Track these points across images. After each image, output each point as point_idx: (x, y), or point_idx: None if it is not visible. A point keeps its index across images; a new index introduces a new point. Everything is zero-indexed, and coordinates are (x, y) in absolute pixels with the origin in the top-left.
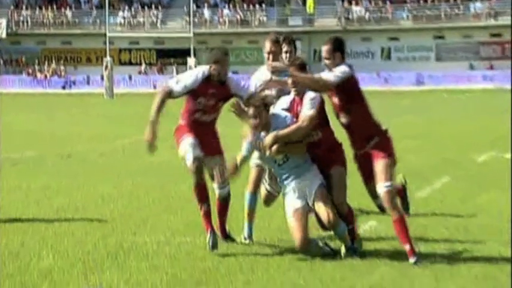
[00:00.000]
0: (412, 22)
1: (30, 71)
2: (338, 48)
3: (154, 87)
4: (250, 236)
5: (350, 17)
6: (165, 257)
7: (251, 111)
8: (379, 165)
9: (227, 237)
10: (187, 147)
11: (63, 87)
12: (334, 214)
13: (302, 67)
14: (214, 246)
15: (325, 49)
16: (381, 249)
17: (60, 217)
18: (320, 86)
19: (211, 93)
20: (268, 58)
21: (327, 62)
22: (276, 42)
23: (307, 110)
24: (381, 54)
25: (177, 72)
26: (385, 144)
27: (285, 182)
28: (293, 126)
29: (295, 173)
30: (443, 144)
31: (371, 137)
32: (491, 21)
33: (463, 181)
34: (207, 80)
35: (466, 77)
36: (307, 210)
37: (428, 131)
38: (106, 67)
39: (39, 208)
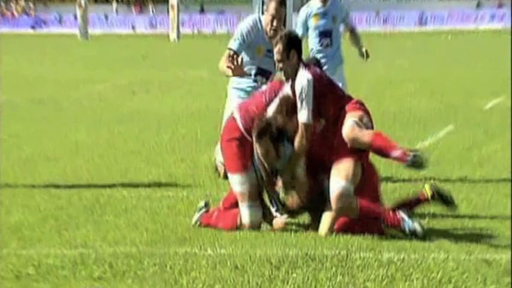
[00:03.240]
0: None
1: None
2: (292, 45)
3: (133, 28)
4: None
5: None
6: (145, 213)
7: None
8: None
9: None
10: (246, 204)
11: (33, 27)
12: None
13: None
14: None
15: (276, 50)
16: None
17: (30, 168)
18: (308, 134)
19: None
20: (272, 23)
21: (281, 65)
22: (283, 4)
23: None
24: None
25: (154, 12)
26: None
27: None
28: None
29: None
30: (447, 89)
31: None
32: None
33: (468, 129)
34: None
35: (473, 16)
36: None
37: (431, 75)
38: (80, 5)
39: (7, 158)
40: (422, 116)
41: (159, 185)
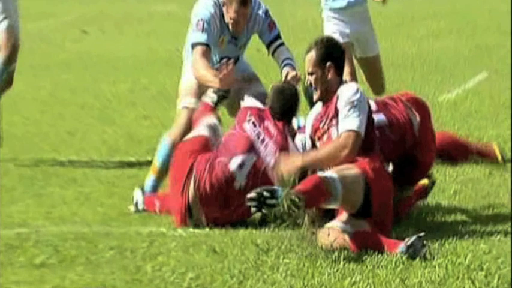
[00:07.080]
0: None
1: None
2: (329, 57)
3: None
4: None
5: None
6: (99, 183)
7: None
8: None
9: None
10: None
11: None
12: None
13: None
14: None
15: (308, 59)
16: None
17: None
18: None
19: None
20: (233, 25)
21: (311, 78)
22: (245, 4)
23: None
24: None
25: None
26: None
27: None
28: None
29: None
30: (479, 27)
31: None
32: None
33: (504, 77)
34: None
35: None
36: None
37: (458, 9)
38: None
39: None
40: (448, 60)
41: (116, 148)
